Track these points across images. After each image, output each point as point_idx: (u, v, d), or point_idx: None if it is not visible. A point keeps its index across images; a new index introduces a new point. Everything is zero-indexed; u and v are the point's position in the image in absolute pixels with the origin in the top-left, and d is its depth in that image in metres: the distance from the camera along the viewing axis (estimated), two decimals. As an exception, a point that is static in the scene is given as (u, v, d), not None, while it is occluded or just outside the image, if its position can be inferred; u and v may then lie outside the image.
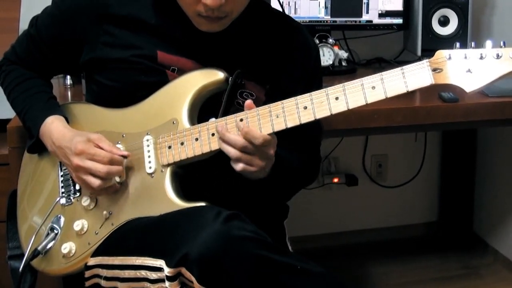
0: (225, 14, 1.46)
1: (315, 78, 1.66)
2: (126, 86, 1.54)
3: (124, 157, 1.49)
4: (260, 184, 1.51)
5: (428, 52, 1.38)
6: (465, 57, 1.34)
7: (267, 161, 1.44)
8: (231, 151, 1.40)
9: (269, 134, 1.40)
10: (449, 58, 1.34)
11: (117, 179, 1.49)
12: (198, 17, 1.47)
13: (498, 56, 1.32)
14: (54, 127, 1.55)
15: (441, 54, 1.35)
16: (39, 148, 1.62)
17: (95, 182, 1.46)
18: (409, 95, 2.13)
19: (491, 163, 3.18)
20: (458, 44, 1.37)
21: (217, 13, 1.44)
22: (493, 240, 3.20)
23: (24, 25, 1.71)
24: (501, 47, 1.33)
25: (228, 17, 1.48)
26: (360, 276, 3.00)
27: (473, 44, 1.36)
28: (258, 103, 1.49)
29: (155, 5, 1.56)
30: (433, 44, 2.54)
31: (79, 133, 1.53)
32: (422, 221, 3.43)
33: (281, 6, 2.52)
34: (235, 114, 1.44)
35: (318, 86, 1.58)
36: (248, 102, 1.42)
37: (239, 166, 1.41)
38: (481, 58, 1.33)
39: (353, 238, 3.31)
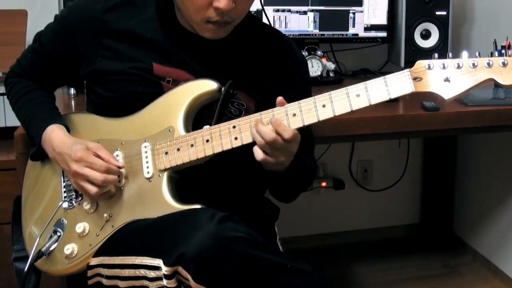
0: (231, 19, 1.47)
1: (305, 90, 1.65)
2: (123, 96, 1.54)
3: (120, 167, 1.50)
4: (274, 178, 1.52)
5: (411, 64, 1.38)
6: (443, 67, 1.34)
7: (288, 157, 1.44)
8: (259, 140, 1.39)
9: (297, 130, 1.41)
10: (429, 67, 1.35)
11: (112, 188, 1.49)
12: (206, 23, 1.47)
13: (474, 66, 1.33)
14: (55, 135, 1.55)
15: (421, 64, 1.36)
16: (41, 155, 1.61)
17: (92, 189, 1.46)
18: (393, 104, 2.16)
19: (470, 168, 3.19)
20: (436, 55, 1.38)
21: (226, 18, 1.45)
22: (472, 240, 3.20)
23: (30, 38, 1.71)
24: (476, 57, 1.34)
25: (232, 23, 1.49)
26: (346, 275, 3.00)
27: (450, 54, 1.36)
28: (248, 113, 1.49)
29: (153, 20, 1.56)
30: (416, 56, 2.54)
31: (79, 141, 1.53)
32: (405, 223, 3.43)
33: (269, 21, 2.53)
34: (228, 122, 1.45)
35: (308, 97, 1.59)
36: (280, 98, 1.42)
37: (260, 155, 1.41)
38: (458, 67, 1.34)
39: (340, 239, 3.31)
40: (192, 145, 1.47)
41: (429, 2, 2.60)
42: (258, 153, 1.41)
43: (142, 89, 1.53)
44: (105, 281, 1.46)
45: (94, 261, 1.48)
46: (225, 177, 1.59)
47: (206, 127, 1.47)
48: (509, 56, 1.33)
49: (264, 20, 2.49)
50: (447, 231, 3.35)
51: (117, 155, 1.53)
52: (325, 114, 1.40)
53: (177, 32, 1.56)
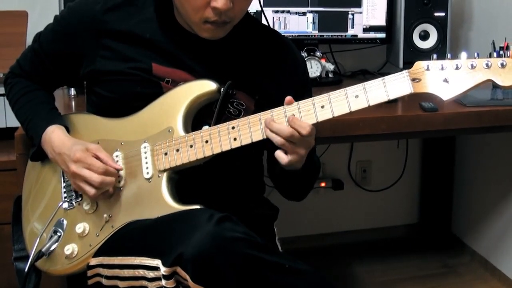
0: (229, 19, 1.46)
1: (305, 90, 1.65)
2: (123, 97, 1.54)
3: (118, 169, 1.49)
4: (291, 176, 1.52)
5: (410, 65, 1.38)
6: (442, 68, 1.34)
7: (307, 150, 1.44)
8: (277, 139, 1.39)
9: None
10: (427, 68, 1.34)
11: (111, 188, 1.49)
12: (204, 23, 1.46)
13: (472, 67, 1.32)
14: (54, 136, 1.55)
15: (420, 65, 1.36)
16: (41, 156, 1.61)
17: (90, 190, 1.46)
18: (392, 105, 2.15)
19: (468, 169, 3.18)
20: (435, 56, 1.37)
21: (224, 18, 1.45)
22: (470, 240, 3.20)
23: (30, 39, 1.71)
24: (475, 58, 1.34)
25: (230, 23, 1.49)
26: (345, 275, 2.99)
27: (449, 55, 1.36)
28: (248, 113, 1.49)
29: (152, 20, 1.56)
30: (414, 57, 2.55)
31: (78, 141, 1.53)
32: (403, 223, 3.43)
33: (268, 22, 2.53)
34: (227, 122, 1.44)
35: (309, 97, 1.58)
36: (288, 98, 1.42)
37: (284, 158, 1.41)
38: (457, 68, 1.33)
39: (339, 239, 3.30)
40: (191, 146, 1.46)
41: (427, 3, 2.60)
42: (282, 157, 1.42)
43: (141, 89, 1.53)
44: (104, 281, 1.46)
45: (94, 261, 1.48)
46: (225, 177, 1.58)
47: (205, 127, 1.47)
48: (508, 57, 1.33)
49: (263, 21, 2.48)
50: (446, 231, 3.35)
51: (116, 156, 1.52)
52: (324, 115, 1.39)
53: (176, 32, 1.56)
